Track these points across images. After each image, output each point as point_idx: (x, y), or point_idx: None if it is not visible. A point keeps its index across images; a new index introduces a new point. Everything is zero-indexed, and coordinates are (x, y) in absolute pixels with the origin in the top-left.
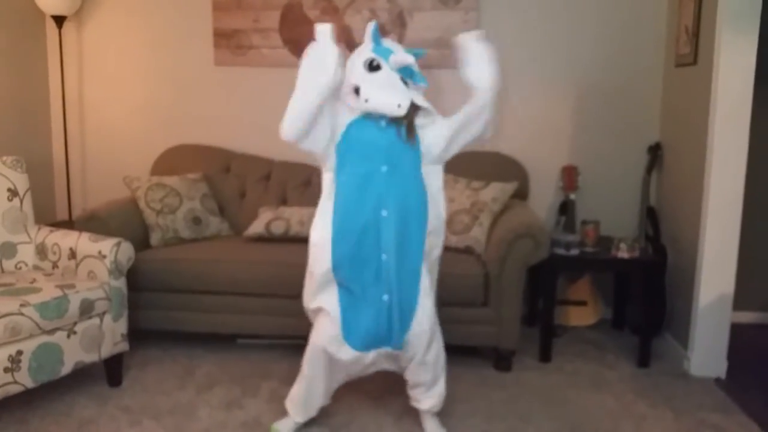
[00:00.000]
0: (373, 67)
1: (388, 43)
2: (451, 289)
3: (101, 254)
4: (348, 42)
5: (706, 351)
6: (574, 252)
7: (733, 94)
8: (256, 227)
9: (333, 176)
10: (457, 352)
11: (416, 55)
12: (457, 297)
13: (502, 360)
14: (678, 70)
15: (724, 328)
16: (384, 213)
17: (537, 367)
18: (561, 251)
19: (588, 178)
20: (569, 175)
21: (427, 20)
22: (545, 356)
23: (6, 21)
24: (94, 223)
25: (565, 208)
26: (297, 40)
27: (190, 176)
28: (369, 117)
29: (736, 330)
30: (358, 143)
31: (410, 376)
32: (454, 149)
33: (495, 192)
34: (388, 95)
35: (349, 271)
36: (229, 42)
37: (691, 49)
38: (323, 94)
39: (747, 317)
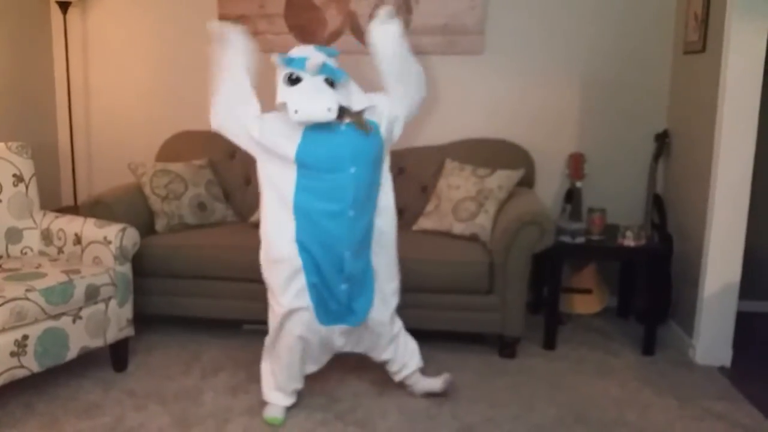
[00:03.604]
0: (293, 80)
1: (297, 52)
2: (457, 276)
3: (106, 240)
4: (354, 28)
5: (712, 339)
6: (580, 240)
7: (741, 82)
8: None
9: (294, 177)
10: (462, 339)
11: (329, 55)
12: (463, 284)
13: (506, 347)
14: (686, 58)
15: (729, 317)
16: (351, 213)
17: (542, 354)
18: (567, 239)
19: (595, 165)
20: (576, 163)
21: (433, 6)
22: (550, 344)
23: (11, 7)
24: (99, 209)
25: (572, 196)
26: (303, 25)
27: (195, 162)
28: (326, 125)
29: (742, 319)
30: (323, 150)
31: (375, 353)
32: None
33: (501, 179)
34: (315, 102)
35: (312, 269)
36: None
37: (700, 36)
38: (239, 69)
39: (753, 306)
